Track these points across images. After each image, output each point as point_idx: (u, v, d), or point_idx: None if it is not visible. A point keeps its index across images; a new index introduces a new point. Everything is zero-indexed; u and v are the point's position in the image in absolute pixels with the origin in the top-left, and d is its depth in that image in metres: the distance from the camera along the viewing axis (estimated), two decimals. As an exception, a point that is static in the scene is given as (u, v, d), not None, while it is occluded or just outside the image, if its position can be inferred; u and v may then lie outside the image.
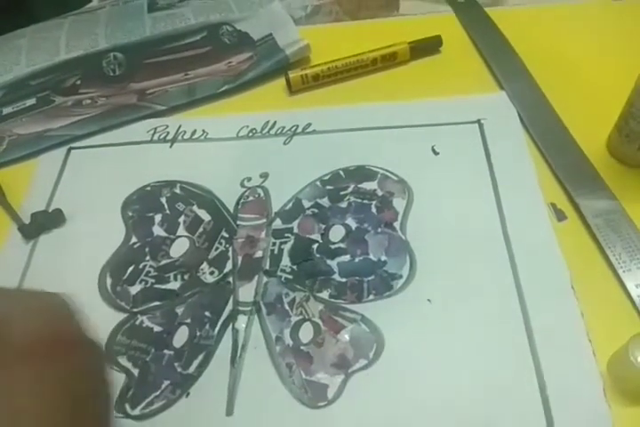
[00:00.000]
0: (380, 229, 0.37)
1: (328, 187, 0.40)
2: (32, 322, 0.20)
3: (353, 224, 0.38)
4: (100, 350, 0.23)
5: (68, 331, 0.21)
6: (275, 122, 0.45)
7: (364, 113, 0.44)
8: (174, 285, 0.36)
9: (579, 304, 0.33)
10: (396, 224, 0.37)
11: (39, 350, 0.19)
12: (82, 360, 0.21)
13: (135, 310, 0.35)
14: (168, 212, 0.40)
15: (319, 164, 0.41)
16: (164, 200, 0.41)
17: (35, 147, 0.45)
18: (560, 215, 0.37)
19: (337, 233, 0.38)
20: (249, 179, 0.41)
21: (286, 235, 0.38)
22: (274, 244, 0.37)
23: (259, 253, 0.37)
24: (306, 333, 0.33)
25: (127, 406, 0.32)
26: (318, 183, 0.40)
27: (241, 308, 0.35)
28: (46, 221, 0.40)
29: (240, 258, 0.37)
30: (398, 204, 0.38)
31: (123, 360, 0.33)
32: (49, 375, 0.19)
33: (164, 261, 0.37)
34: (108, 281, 0.37)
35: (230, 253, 0.37)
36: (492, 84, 0.45)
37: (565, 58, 0.46)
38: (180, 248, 0.38)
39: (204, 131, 0.45)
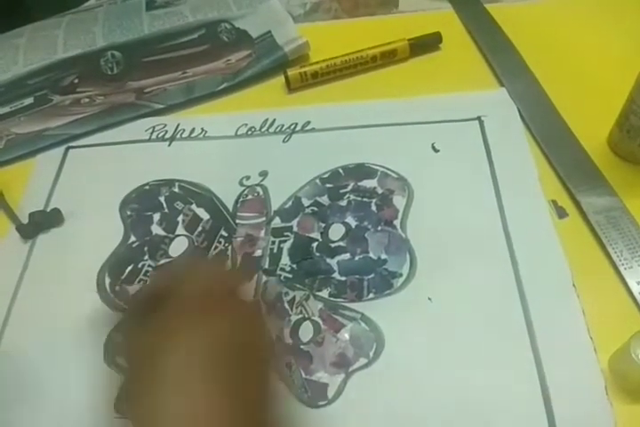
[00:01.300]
0: (379, 228, 0.37)
1: (328, 185, 0.40)
2: (202, 281, 0.25)
3: (353, 222, 0.38)
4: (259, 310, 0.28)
5: (231, 291, 0.26)
6: (274, 120, 0.44)
7: (363, 110, 0.44)
8: (173, 284, 0.36)
9: (580, 302, 0.32)
10: (396, 222, 0.37)
11: (206, 304, 0.24)
12: (243, 315, 0.25)
13: (134, 309, 0.35)
14: (167, 211, 0.40)
15: (318, 162, 0.41)
16: (162, 199, 0.41)
17: (33, 146, 0.45)
18: (561, 212, 0.37)
19: (337, 231, 0.37)
20: (248, 177, 0.41)
21: (286, 233, 0.38)
22: (273, 242, 0.37)
23: (258, 252, 0.37)
24: (305, 332, 0.33)
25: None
26: (318, 181, 0.40)
27: (240, 307, 0.35)
28: (44, 221, 0.40)
29: (239, 257, 0.37)
30: (398, 202, 0.38)
31: (121, 360, 0.33)
32: (216, 323, 0.24)
33: (162, 261, 0.37)
34: (107, 281, 0.37)
35: (229, 252, 0.37)
36: (493, 80, 0.45)
37: (566, 54, 0.46)
38: (178, 247, 0.38)
39: (202, 129, 0.45)
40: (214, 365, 0.23)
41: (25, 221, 0.40)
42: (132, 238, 0.39)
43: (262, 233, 0.38)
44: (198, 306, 0.24)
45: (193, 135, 0.44)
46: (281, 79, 0.47)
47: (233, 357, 0.23)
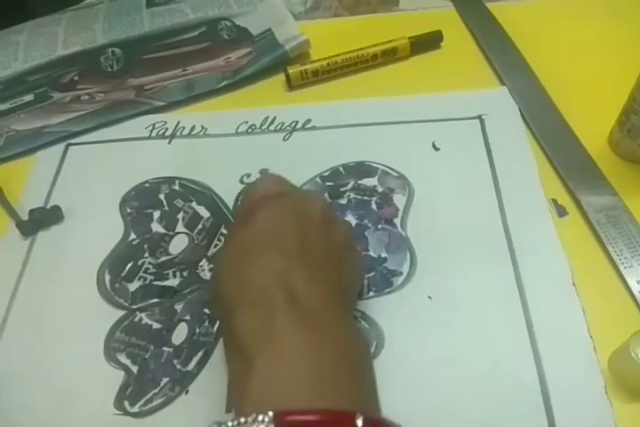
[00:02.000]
0: (380, 226, 0.37)
1: (328, 183, 0.40)
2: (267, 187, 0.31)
3: (353, 221, 0.38)
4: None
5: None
6: (274, 118, 0.44)
7: (363, 109, 0.44)
8: (173, 281, 0.36)
9: (580, 301, 0.32)
10: (397, 221, 0.37)
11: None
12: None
13: (134, 306, 0.35)
14: (167, 208, 0.40)
15: (319, 160, 0.41)
16: (162, 197, 0.40)
17: (33, 143, 0.45)
18: (561, 211, 0.37)
19: (337, 229, 0.37)
20: (248, 175, 0.41)
21: (286, 231, 0.38)
22: (273, 240, 0.37)
23: (258, 250, 0.37)
24: (306, 330, 0.33)
25: (126, 404, 0.31)
26: (318, 179, 0.40)
27: (240, 305, 0.34)
28: (44, 218, 0.40)
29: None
30: (398, 200, 0.38)
31: (122, 357, 0.33)
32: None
33: (162, 258, 0.37)
34: (107, 278, 0.37)
35: (230, 250, 0.37)
36: (493, 79, 0.45)
37: (567, 53, 0.46)
38: (179, 245, 0.38)
39: (202, 127, 0.45)
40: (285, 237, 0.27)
41: (25, 217, 0.40)
42: (132, 236, 0.39)
43: (262, 231, 0.38)
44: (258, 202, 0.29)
45: (193, 133, 0.44)
46: (281, 77, 0.47)
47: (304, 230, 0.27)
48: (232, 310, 0.25)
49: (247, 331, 0.24)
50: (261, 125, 0.44)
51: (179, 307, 0.35)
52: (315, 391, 0.22)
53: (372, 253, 0.36)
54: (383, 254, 0.36)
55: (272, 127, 0.44)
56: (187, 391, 0.32)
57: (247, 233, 0.27)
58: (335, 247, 0.28)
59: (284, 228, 0.27)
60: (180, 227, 0.39)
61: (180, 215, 0.39)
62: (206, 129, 0.44)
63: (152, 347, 0.33)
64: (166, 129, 0.45)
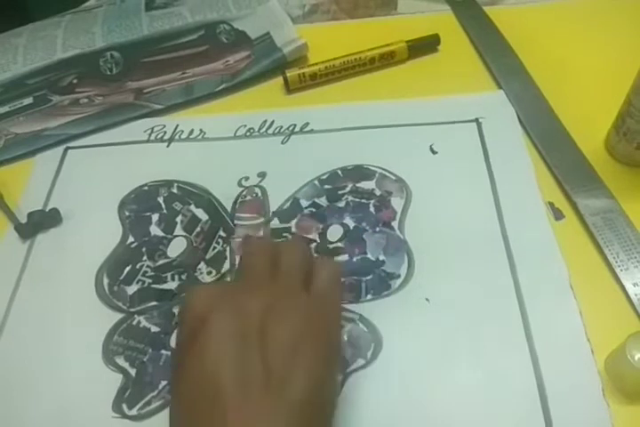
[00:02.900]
0: (378, 229, 0.37)
1: (326, 186, 0.40)
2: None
3: (351, 223, 0.38)
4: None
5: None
6: (272, 121, 0.44)
7: (361, 112, 0.44)
8: (171, 285, 0.36)
9: (577, 303, 0.33)
10: (394, 223, 0.37)
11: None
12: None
13: (132, 310, 0.35)
14: (165, 211, 0.40)
15: (317, 163, 0.41)
16: (161, 200, 0.41)
17: (32, 146, 0.45)
18: (558, 214, 0.37)
19: (335, 232, 0.37)
20: (246, 178, 0.41)
21: (284, 234, 0.38)
22: (271, 243, 0.37)
23: (256, 253, 0.37)
24: (304, 332, 0.33)
25: (124, 407, 0.31)
26: (316, 182, 0.40)
27: (238, 307, 0.35)
28: (43, 221, 0.40)
29: (238, 258, 0.37)
30: (396, 203, 0.38)
31: (120, 360, 0.33)
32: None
33: (161, 261, 0.37)
34: (105, 281, 0.37)
35: (228, 253, 0.37)
36: (491, 83, 0.45)
37: (563, 57, 0.46)
38: (177, 248, 0.38)
39: (201, 130, 0.45)
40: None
41: (23, 220, 0.40)
42: (131, 239, 0.39)
43: (261, 234, 0.38)
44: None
45: (192, 136, 0.44)
46: (280, 80, 0.47)
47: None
48: None
49: None
50: (260, 129, 0.44)
51: (177, 310, 0.35)
52: None
53: (369, 255, 0.36)
54: (381, 257, 0.36)
55: (270, 131, 0.44)
56: (185, 394, 0.32)
57: (194, 367, 0.26)
58: (277, 364, 0.25)
59: (221, 361, 0.25)
60: (178, 230, 0.39)
61: (179, 218, 0.39)
62: (205, 133, 0.45)
63: (150, 350, 0.33)
64: (165, 132, 0.45)
